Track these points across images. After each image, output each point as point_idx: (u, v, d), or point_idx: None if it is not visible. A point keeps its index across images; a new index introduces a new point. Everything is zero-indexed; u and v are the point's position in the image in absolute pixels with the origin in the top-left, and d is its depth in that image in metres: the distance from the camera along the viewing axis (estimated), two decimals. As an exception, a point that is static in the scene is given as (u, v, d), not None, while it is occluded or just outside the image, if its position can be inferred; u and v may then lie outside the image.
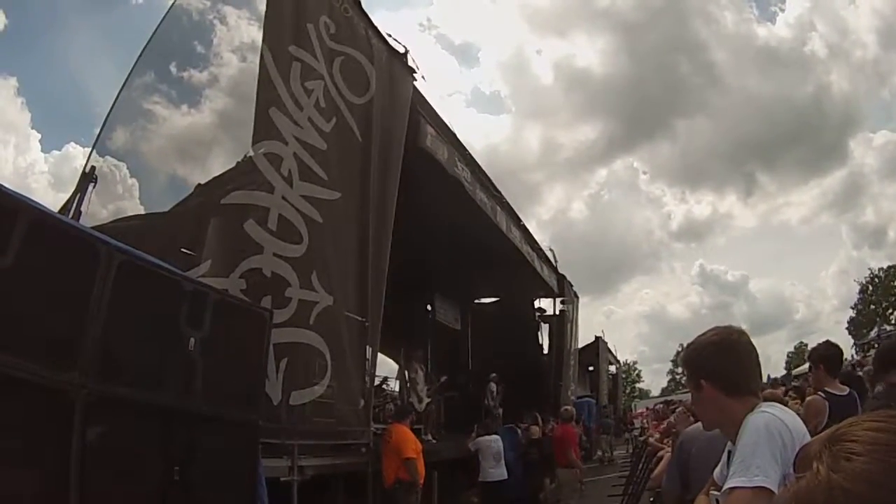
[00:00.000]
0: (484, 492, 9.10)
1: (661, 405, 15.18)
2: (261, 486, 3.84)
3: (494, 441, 9.25)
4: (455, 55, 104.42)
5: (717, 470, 2.01)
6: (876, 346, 23.68)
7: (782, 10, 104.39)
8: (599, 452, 19.78)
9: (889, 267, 48.46)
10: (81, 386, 2.61)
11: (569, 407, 12.45)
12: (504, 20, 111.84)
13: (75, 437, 2.56)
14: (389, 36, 8.07)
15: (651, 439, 8.73)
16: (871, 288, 48.77)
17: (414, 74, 8.49)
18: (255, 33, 7.14)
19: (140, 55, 6.02)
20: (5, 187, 2.53)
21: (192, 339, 3.27)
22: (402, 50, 8.30)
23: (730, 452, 1.93)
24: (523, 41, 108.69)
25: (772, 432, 1.62)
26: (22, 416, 2.44)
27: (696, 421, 3.23)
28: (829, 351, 4.12)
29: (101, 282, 2.75)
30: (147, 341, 3.07)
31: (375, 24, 7.71)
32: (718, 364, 1.86)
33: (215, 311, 3.44)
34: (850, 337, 44.07)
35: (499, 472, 9.02)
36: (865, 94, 77.65)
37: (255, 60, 6.14)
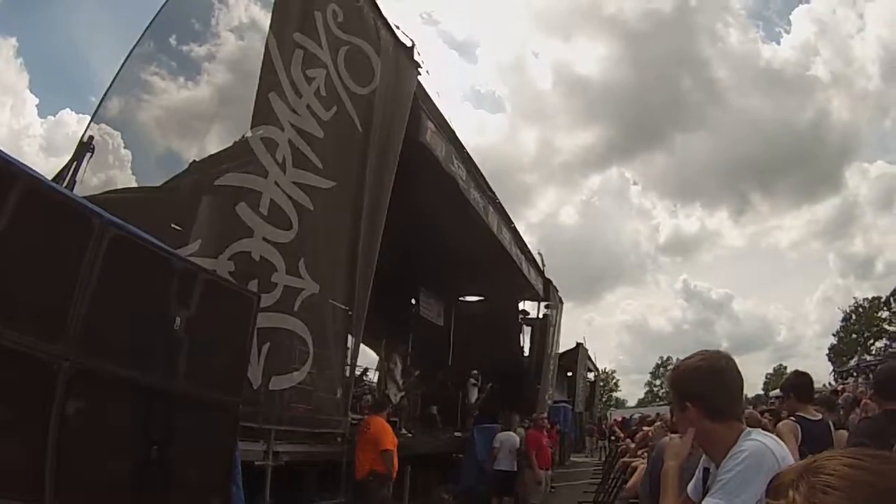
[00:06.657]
0: (492, 478, 10.32)
1: (627, 417, 15.71)
2: (235, 469, 3.85)
3: (511, 437, 10.47)
4: (455, 49, 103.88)
5: (691, 486, 2.04)
6: (854, 374, 24.09)
7: (788, 33, 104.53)
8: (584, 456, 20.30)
9: (874, 298, 48.66)
10: (65, 358, 2.60)
11: (540, 414, 12.73)
12: (505, 20, 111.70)
13: (55, 409, 2.55)
14: (398, 28, 8.04)
15: (625, 457, 8.86)
16: (854, 317, 48.88)
17: (419, 69, 8.46)
18: (255, 12, 7.09)
19: (146, 29, 5.95)
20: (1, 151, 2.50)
21: (178, 319, 3.26)
22: (409, 43, 8.26)
23: (706, 469, 1.97)
24: (524, 42, 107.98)
25: (761, 464, 1.67)
26: (2, 385, 2.41)
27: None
28: (799, 380, 4.31)
29: (93, 254, 2.73)
30: (134, 318, 3.06)
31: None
32: (704, 389, 1.89)
33: (204, 292, 3.43)
34: (829, 363, 44.74)
35: (509, 464, 10.22)
36: (865, 123, 77.43)
37: (254, 40, 6.09)
